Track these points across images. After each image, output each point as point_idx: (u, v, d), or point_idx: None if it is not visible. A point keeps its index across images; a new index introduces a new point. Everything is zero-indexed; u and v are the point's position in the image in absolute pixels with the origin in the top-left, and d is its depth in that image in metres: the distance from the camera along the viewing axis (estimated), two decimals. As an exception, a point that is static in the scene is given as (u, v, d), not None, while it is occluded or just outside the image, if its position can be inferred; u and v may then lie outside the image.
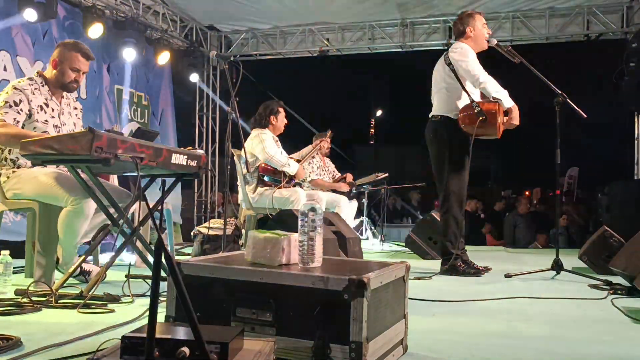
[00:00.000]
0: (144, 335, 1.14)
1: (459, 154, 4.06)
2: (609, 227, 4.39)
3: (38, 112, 3.24)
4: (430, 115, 4.24)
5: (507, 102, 3.97)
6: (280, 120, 5.19)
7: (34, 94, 3.25)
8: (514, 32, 7.53)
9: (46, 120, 3.26)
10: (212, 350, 1.24)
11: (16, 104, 3.15)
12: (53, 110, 3.34)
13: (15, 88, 3.19)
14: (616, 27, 7.22)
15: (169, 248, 4.00)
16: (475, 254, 4.64)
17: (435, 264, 4.34)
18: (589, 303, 3.00)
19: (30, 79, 3.32)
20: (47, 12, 5.55)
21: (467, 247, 4.31)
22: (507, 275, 3.97)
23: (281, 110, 5.21)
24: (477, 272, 4.06)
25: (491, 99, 3.95)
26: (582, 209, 10.07)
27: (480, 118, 3.87)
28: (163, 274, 1.88)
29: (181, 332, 1.31)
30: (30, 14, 5.42)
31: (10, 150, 3.23)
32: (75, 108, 3.55)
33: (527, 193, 13.01)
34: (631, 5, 7.11)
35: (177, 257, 4.10)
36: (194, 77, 8.22)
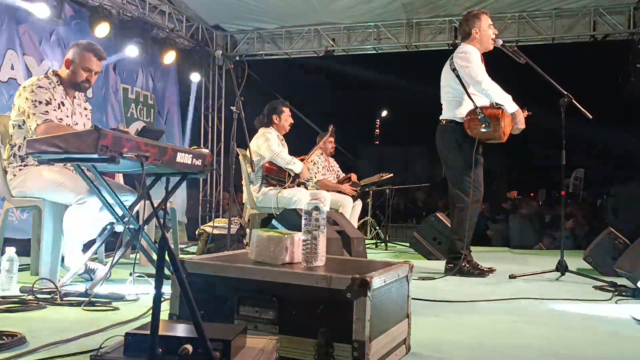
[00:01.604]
0: (148, 332, 1.14)
1: (468, 157, 4.04)
2: (614, 229, 4.37)
3: (55, 110, 3.25)
4: (439, 119, 4.24)
5: (511, 107, 3.96)
6: (284, 120, 5.19)
7: (53, 92, 3.27)
8: (519, 32, 7.49)
9: (61, 119, 3.27)
10: (215, 347, 1.24)
11: (48, 102, 3.17)
12: (67, 109, 3.36)
13: (40, 87, 3.20)
14: (623, 28, 7.17)
15: (173, 247, 4.00)
16: (480, 255, 4.62)
17: (439, 265, 4.33)
18: (593, 304, 2.99)
19: (47, 77, 3.33)
20: (54, 12, 5.59)
21: (472, 248, 4.30)
22: (512, 276, 3.95)
23: (285, 109, 5.21)
24: (482, 272, 4.05)
25: (494, 105, 3.94)
26: (587, 211, 10.04)
27: (483, 125, 3.88)
28: (167, 272, 1.89)
29: (184, 330, 1.32)
30: (41, 9, 5.45)
31: (20, 147, 3.24)
32: (86, 109, 3.57)
33: (532, 194, 12.99)
34: (638, 6, 7.06)
35: (181, 256, 4.09)
36: (195, 77, 8.23)
